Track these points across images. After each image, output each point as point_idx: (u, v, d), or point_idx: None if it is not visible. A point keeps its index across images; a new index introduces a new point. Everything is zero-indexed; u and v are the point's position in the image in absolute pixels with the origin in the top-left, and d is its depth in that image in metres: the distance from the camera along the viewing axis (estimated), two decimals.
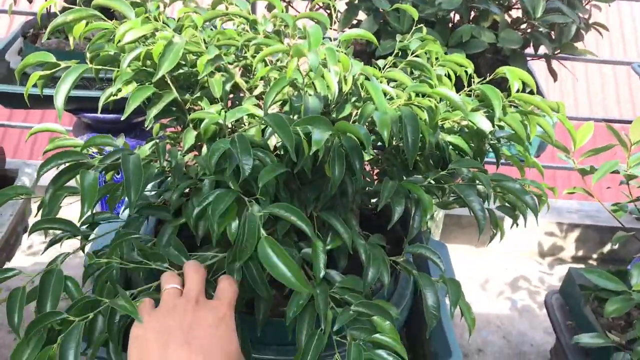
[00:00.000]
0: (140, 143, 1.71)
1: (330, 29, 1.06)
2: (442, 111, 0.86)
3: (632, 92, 3.57)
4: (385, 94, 0.82)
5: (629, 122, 2.63)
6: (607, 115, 3.48)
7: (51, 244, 0.80)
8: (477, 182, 0.78)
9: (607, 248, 2.48)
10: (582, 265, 2.50)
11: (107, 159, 0.75)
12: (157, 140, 0.88)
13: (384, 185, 0.78)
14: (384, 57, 1.40)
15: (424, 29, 0.99)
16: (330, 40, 1.01)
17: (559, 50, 1.45)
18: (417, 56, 0.91)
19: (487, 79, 0.86)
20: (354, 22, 1.52)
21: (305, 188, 0.86)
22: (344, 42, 0.90)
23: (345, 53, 0.99)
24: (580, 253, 2.51)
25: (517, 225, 1.00)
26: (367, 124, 0.79)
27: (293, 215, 0.67)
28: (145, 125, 0.82)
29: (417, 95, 0.78)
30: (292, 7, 1.63)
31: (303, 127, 0.70)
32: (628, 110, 3.54)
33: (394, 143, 0.89)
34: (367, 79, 0.81)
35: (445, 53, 1.35)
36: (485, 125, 0.80)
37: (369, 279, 0.78)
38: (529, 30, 1.44)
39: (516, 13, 1.60)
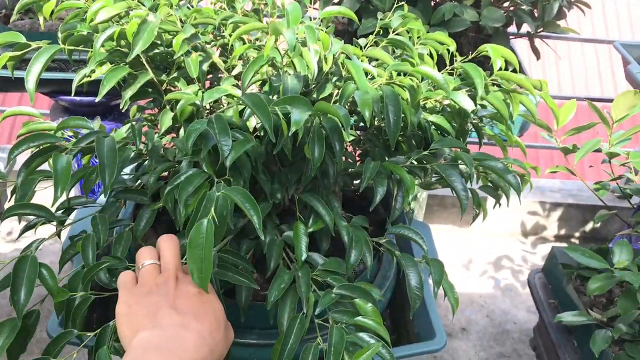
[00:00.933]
0: (118, 125, 1.69)
1: (311, 7, 1.05)
2: (424, 90, 0.84)
3: (613, 70, 3.58)
4: (366, 73, 0.80)
5: (611, 100, 2.64)
6: (589, 94, 3.49)
7: (25, 229, 0.78)
8: (460, 161, 0.77)
9: (589, 226, 2.50)
10: (564, 244, 2.52)
11: (80, 142, 0.73)
12: (134, 123, 0.86)
13: (365, 166, 0.77)
14: (366, 36, 1.39)
15: (406, 7, 0.98)
16: (311, 19, 0.99)
17: (541, 29, 1.44)
18: (398, 34, 0.89)
19: (470, 57, 0.85)
20: (336, 0, 1.49)
21: (286, 170, 0.85)
22: (325, 20, 0.88)
23: (325, 31, 0.97)
24: (563, 232, 2.53)
25: (500, 205, 1.00)
26: (348, 104, 0.78)
27: (247, 202, 0.64)
28: (121, 107, 0.79)
29: (398, 74, 0.77)
30: None
31: (282, 108, 0.68)
32: (610, 89, 3.55)
33: (375, 123, 0.87)
34: (348, 57, 0.79)
35: (427, 32, 1.34)
36: (467, 104, 0.78)
37: (352, 261, 0.77)
38: (511, 8, 1.43)
39: None
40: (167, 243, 0.68)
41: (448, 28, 1.32)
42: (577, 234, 2.53)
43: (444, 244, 2.43)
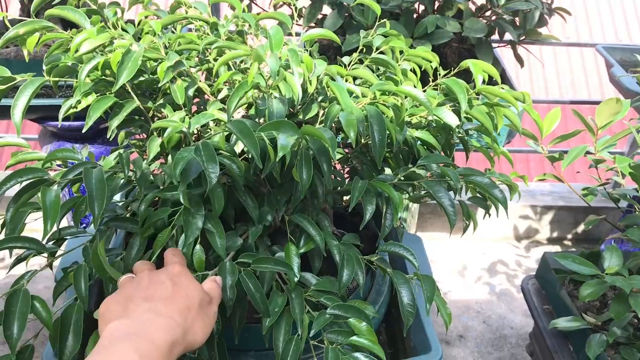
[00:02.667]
0: (107, 149, 1.69)
1: (295, 23, 1.05)
2: (408, 107, 0.85)
3: (599, 72, 3.61)
4: (350, 93, 0.81)
5: (598, 102, 2.66)
6: (576, 96, 3.51)
7: (16, 262, 0.78)
8: (446, 177, 0.78)
9: (581, 228, 2.51)
10: (557, 247, 2.53)
11: (69, 174, 0.73)
12: (121, 151, 0.86)
13: (354, 185, 0.78)
14: (351, 52, 1.40)
15: (388, 24, 0.99)
16: (294, 35, 1.00)
17: (524, 37, 1.45)
18: (381, 52, 0.90)
19: (452, 72, 0.86)
20: (319, 16, 1.50)
21: (276, 191, 0.85)
22: (308, 42, 0.88)
23: (309, 51, 0.98)
24: (555, 234, 2.54)
25: (490, 215, 1.00)
26: (334, 124, 0.78)
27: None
28: (108, 136, 0.80)
29: (382, 93, 0.77)
30: (255, 3, 1.61)
31: (268, 133, 0.69)
32: (596, 90, 3.58)
33: (362, 141, 0.88)
34: (332, 78, 0.80)
35: (412, 45, 1.35)
36: (451, 119, 0.79)
37: (344, 280, 0.77)
38: (493, 18, 1.44)
39: (480, 1, 1.60)
40: (173, 256, 0.73)
41: (431, 40, 1.34)
42: (569, 236, 2.55)
43: (438, 252, 2.44)
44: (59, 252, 0.80)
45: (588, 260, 1.08)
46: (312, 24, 1.52)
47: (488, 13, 1.53)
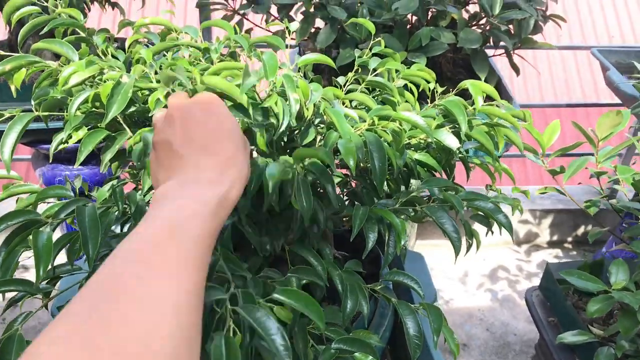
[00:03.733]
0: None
1: (289, 38, 1.03)
2: (407, 129, 0.83)
3: (593, 74, 3.60)
4: (347, 116, 0.79)
5: (593, 105, 2.66)
6: (570, 99, 3.50)
7: (9, 305, 0.75)
8: (449, 203, 0.76)
9: (581, 230, 2.50)
10: (558, 250, 2.52)
11: (61, 213, 0.71)
12: (114, 182, 0.84)
13: (355, 213, 0.76)
14: (345, 67, 1.38)
15: (382, 42, 0.97)
16: (289, 47, 0.98)
17: (519, 45, 1.44)
18: (377, 74, 0.88)
19: (451, 92, 0.84)
20: (312, 30, 1.49)
21: (275, 219, 0.83)
22: (302, 66, 0.86)
23: (304, 72, 0.96)
24: (555, 238, 2.53)
25: (492, 233, 0.99)
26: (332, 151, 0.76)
27: None
28: (101, 170, 0.78)
29: (380, 118, 0.76)
30: (246, 19, 1.59)
31: (261, 162, 0.67)
32: (591, 92, 3.57)
33: (361, 165, 0.86)
34: (328, 103, 0.78)
35: (406, 58, 1.33)
36: (452, 142, 0.77)
37: (348, 312, 0.75)
38: (487, 27, 1.43)
39: (473, 7, 1.58)
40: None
41: (426, 53, 1.32)
42: (569, 239, 2.53)
43: (439, 259, 2.42)
44: (54, 292, 0.78)
45: (592, 274, 1.06)
46: (305, 38, 1.50)
47: (482, 21, 1.51)
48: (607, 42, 3.70)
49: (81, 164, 1.66)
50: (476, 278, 2.38)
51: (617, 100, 1.85)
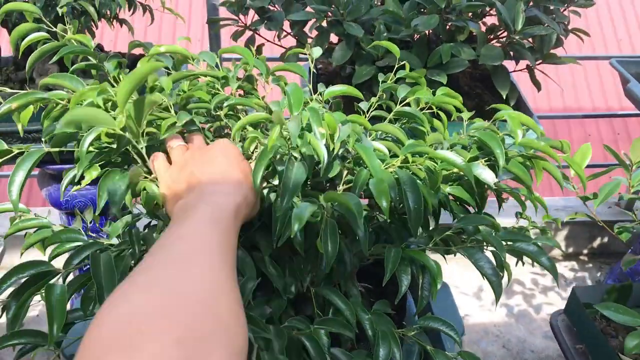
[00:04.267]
0: None
1: (306, 52, 0.99)
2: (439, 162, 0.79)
3: (615, 83, 3.53)
4: (374, 149, 0.75)
5: (617, 115, 2.59)
6: (594, 108, 3.43)
7: (20, 356, 0.71)
8: (488, 244, 0.71)
9: (597, 242, 2.45)
10: (573, 262, 2.47)
11: (73, 259, 0.66)
12: (128, 221, 0.79)
13: (386, 255, 0.71)
14: (362, 84, 1.33)
15: (407, 66, 0.92)
16: (310, 77, 0.94)
17: (540, 61, 1.39)
18: (407, 103, 0.83)
19: (487, 123, 0.79)
20: (326, 46, 1.44)
21: (299, 259, 0.79)
22: (328, 97, 0.82)
23: (330, 103, 0.91)
24: (571, 250, 2.48)
25: (523, 264, 0.94)
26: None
27: None
28: (114, 212, 0.73)
29: (414, 154, 0.71)
30: (258, 34, 1.54)
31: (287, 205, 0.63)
32: (614, 101, 3.50)
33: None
34: (357, 139, 0.73)
35: (426, 75, 1.29)
36: (488, 177, 0.73)
37: None
38: (507, 42, 1.38)
39: (490, 19, 1.53)
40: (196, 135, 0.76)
41: (446, 70, 1.27)
42: (585, 251, 2.48)
43: (453, 274, 2.36)
44: (66, 341, 0.73)
45: (620, 298, 1.02)
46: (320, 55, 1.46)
47: (502, 34, 1.46)
48: (617, 50, 3.63)
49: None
50: (491, 293, 2.30)
51: (627, 110, 1.79)
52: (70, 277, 0.73)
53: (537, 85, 1.42)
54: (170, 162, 0.72)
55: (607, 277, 2.22)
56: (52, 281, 0.63)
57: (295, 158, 0.71)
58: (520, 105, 1.48)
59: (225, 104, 0.78)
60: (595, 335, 1.22)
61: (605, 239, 2.44)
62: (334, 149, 0.76)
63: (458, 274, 2.36)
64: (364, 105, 0.92)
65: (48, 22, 0.89)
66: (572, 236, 2.44)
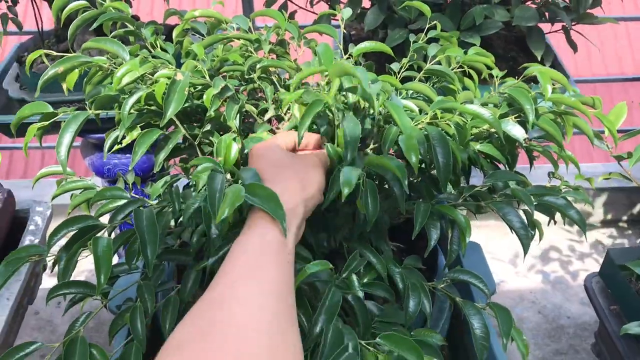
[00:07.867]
0: (150, 157, 1.66)
1: (334, 19, 1.00)
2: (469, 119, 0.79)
3: None
4: (405, 108, 0.76)
5: None
6: (622, 71, 3.34)
7: (70, 306, 0.75)
8: (517, 199, 0.72)
9: (637, 209, 2.41)
10: (612, 229, 2.43)
11: (118, 215, 0.70)
12: (167, 179, 0.82)
13: (416, 210, 0.73)
14: (394, 48, 1.34)
15: (439, 26, 0.93)
16: (341, 43, 0.95)
17: (577, 22, 1.37)
18: (437, 62, 0.84)
19: (516, 82, 0.79)
20: (363, 4, 1.44)
21: (332, 215, 0.81)
22: (357, 55, 0.83)
23: (355, 61, 0.93)
24: (610, 216, 2.44)
25: (555, 223, 0.94)
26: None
27: None
28: (155, 170, 0.77)
29: (443, 111, 0.72)
30: (291, 1, 1.56)
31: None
32: None
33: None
34: (387, 97, 0.74)
35: (459, 38, 1.28)
36: (518, 133, 0.73)
37: (410, 312, 0.73)
38: (543, 3, 1.36)
39: None
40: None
41: (480, 32, 1.26)
42: (624, 218, 2.45)
43: (488, 239, 2.36)
44: (112, 292, 0.77)
45: None
46: (352, 20, 1.46)
47: None
48: None
49: (128, 152, 1.66)
50: (527, 259, 2.32)
51: None
52: (114, 234, 0.76)
53: (573, 46, 1.39)
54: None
55: None
56: (98, 234, 0.67)
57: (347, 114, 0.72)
58: (556, 68, 1.46)
59: (258, 66, 0.80)
60: (630, 296, 1.22)
61: None
62: (364, 107, 0.78)
63: (493, 242, 2.36)
64: (395, 66, 0.93)
65: None
66: (610, 202, 2.40)
